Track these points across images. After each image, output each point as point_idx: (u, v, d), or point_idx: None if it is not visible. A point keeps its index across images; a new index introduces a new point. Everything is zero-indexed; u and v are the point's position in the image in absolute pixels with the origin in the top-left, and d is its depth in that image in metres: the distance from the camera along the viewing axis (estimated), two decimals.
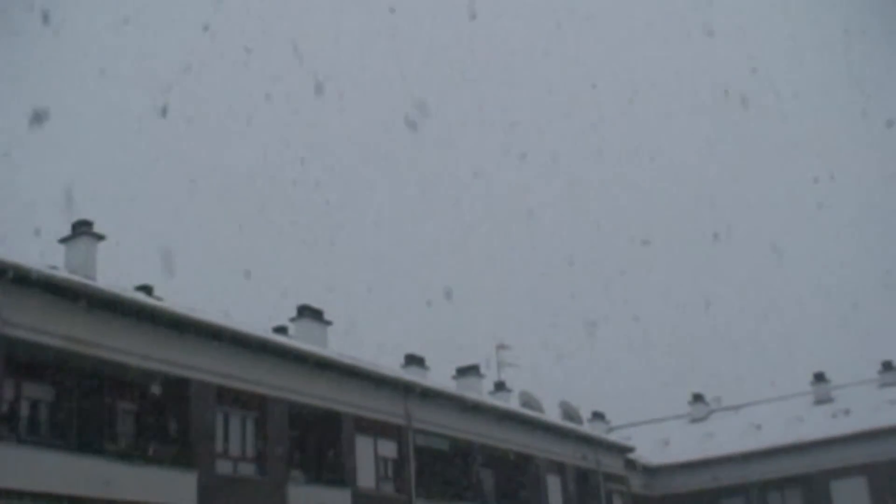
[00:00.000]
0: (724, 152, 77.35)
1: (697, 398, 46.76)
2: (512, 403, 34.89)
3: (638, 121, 78.16)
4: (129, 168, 62.93)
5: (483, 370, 34.55)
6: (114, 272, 21.91)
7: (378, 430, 26.64)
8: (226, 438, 22.22)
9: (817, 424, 40.12)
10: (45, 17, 21.21)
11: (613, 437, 41.03)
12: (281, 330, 26.76)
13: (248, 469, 22.60)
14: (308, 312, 27.39)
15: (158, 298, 22.32)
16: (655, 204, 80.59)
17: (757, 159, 77.89)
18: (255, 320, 24.76)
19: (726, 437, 42.37)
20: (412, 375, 29.15)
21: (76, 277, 19.42)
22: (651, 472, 42.03)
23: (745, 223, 76.37)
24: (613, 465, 38.46)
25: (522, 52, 80.00)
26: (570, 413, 38.30)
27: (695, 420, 46.10)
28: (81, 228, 22.05)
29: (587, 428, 38.90)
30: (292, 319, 27.43)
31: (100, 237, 22.18)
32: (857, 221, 64.26)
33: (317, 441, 25.26)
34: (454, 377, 33.98)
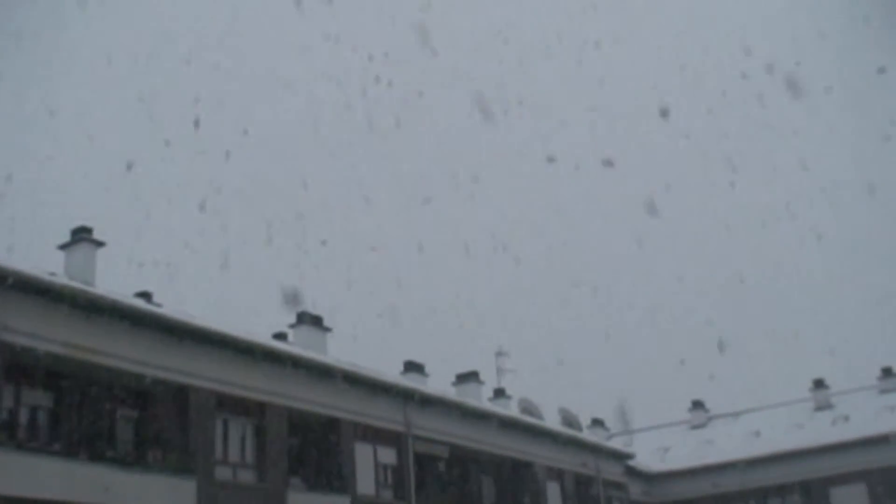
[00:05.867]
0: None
1: (697, 405, 46.74)
2: (511, 410, 34.87)
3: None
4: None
5: (482, 377, 34.59)
6: (113, 279, 21.93)
7: (378, 436, 26.60)
8: (225, 445, 22.19)
9: (817, 431, 40.07)
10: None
11: (613, 443, 41.00)
12: (280, 336, 26.75)
13: (247, 476, 22.56)
14: (307, 319, 27.39)
15: (158, 305, 22.32)
16: (649, 205, 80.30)
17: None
18: (254, 327, 24.77)
19: (726, 443, 42.34)
20: (412, 382, 29.12)
21: (75, 283, 19.42)
22: (651, 478, 41.98)
23: (748, 230, 76.36)
24: (613, 471, 38.41)
25: None
26: (569, 420, 38.27)
27: (694, 427, 46.05)
28: (80, 235, 22.03)
29: (587, 434, 38.86)
30: (291, 326, 27.42)
31: (99, 244, 22.15)
32: (858, 227, 64.30)
33: (316, 448, 25.22)
34: (454, 384, 33.97)
